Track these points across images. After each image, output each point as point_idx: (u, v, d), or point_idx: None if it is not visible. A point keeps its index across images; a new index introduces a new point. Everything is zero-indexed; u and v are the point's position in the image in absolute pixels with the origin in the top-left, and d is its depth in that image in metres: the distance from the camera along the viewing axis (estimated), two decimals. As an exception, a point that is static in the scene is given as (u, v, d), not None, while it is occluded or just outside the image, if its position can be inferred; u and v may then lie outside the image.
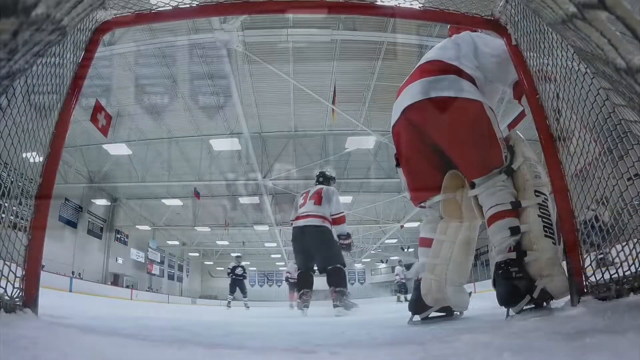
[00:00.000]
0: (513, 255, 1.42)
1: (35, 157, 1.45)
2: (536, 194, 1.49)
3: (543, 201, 1.48)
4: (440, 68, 1.78)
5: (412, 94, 1.78)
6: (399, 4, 1.86)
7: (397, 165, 1.96)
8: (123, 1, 1.78)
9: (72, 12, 0.52)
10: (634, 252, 1.08)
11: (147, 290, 22.13)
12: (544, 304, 1.42)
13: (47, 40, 0.53)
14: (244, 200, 18.81)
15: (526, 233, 1.44)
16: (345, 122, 10.81)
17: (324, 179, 5.03)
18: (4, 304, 1.16)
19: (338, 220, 4.46)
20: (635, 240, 1.10)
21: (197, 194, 16.45)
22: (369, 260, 31.65)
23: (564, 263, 1.37)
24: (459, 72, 1.73)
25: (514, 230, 1.45)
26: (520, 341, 0.85)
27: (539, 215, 1.45)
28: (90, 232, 18.63)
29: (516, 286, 1.37)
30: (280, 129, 12.76)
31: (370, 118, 11.75)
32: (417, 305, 1.76)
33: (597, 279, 1.21)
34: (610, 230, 1.22)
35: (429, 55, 1.95)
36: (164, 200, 19.38)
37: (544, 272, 1.36)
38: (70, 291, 12.17)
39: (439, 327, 1.48)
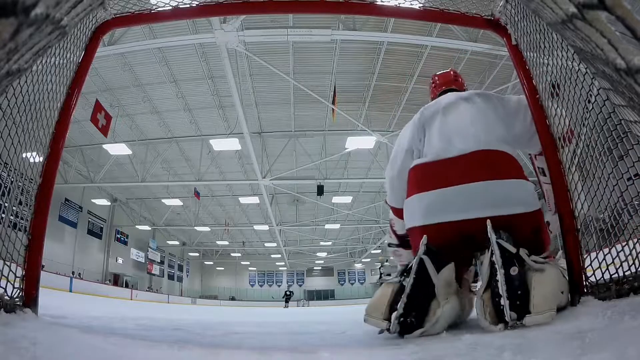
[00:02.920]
0: None
1: (35, 157, 1.45)
2: None
3: None
4: (502, 165, 1.38)
5: (471, 200, 1.32)
6: (399, 4, 1.86)
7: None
8: (123, 1, 1.78)
9: (71, 12, 0.52)
10: (634, 252, 1.08)
11: (147, 290, 22.13)
12: None
13: (46, 40, 0.53)
14: (244, 200, 18.83)
15: None
16: (345, 122, 10.81)
17: None
18: (4, 304, 1.16)
19: None
20: (635, 240, 1.10)
21: (197, 194, 16.46)
22: (369, 260, 31.64)
23: (564, 263, 1.37)
24: (521, 172, 1.41)
25: None
26: (520, 341, 0.85)
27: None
28: (90, 232, 18.63)
29: None
30: (280, 129, 12.76)
31: (370, 118, 11.76)
32: None
33: (597, 279, 1.20)
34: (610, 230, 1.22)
35: (474, 132, 1.46)
36: (164, 200, 19.38)
37: None
38: (70, 291, 12.18)
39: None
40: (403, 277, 1.17)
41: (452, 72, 2.06)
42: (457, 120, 1.54)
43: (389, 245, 1.93)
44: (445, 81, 2.02)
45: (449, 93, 1.82)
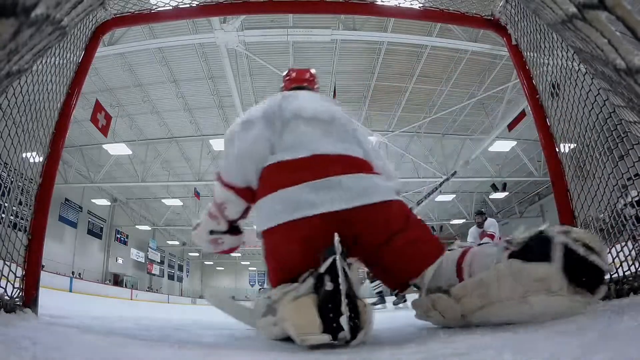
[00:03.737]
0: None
1: (35, 157, 1.45)
2: None
3: None
4: (368, 167, 1.46)
5: (349, 189, 1.33)
6: (399, 4, 1.86)
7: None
8: (123, 1, 1.78)
9: (72, 13, 0.52)
10: (633, 252, 1.08)
11: (147, 290, 22.12)
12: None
13: (47, 41, 0.53)
14: (244, 200, 18.80)
15: None
16: (345, 122, 10.79)
17: None
18: (4, 304, 1.16)
19: None
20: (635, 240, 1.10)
21: (197, 194, 16.46)
22: (369, 260, 31.61)
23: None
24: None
25: None
26: (520, 341, 0.85)
27: None
28: (90, 232, 18.63)
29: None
30: (280, 129, 12.76)
31: (370, 118, 11.76)
32: None
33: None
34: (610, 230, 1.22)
35: (340, 141, 1.47)
36: (164, 200, 19.39)
37: None
38: (70, 291, 12.18)
39: (439, 327, 1.48)
40: (318, 284, 1.05)
41: (309, 72, 1.99)
42: (320, 126, 1.49)
43: (211, 232, 1.66)
44: (302, 78, 1.95)
45: (305, 91, 1.76)
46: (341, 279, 1.00)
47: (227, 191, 1.52)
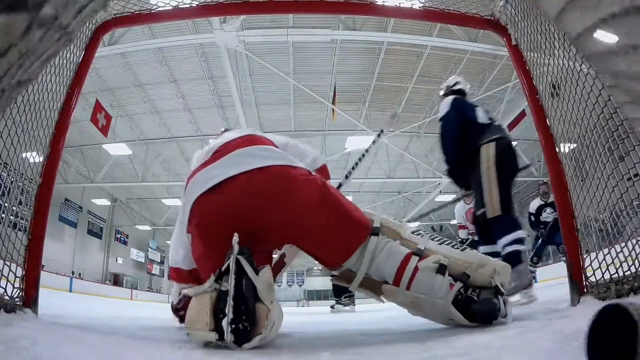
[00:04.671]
0: (459, 285, 1.24)
1: (35, 157, 1.45)
2: (414, 232, 1.38)
3: (420, 232, 1.39)
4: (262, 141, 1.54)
5: (234, 162, 1.40)
6: (399, 4, 1.86)
7: None
8: (123, 1, 1.78)
9: (77, 17, 0.52)
10: (633, 252, 1.08)
11: (147, 290, 22.11)
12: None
13: (54, 47, 0.53)
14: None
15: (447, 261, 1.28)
16: (345, 122, 10.80)
17: None
18: (4, 304, 1.16)
19: None
20: (635, 240, 1.10)
21: (197, 194, 16.42)
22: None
23: (564, 264, 1.38)
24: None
25: (441, 269, 1.24)
26: (520, 341, 0.85)
27: (438, 242, 1.34)
28: (90, 232, 18.61)
29: (490, 301, 1.21)
30: (280, 129, 12.76)
31: (370, 118, 11.75)
32: None
33: (597, 279, 1.21)
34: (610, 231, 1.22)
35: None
36: (164, 200, 19.38)
37: (489, 273, 1.26)
38: (70, 291, 12.18)
39: (440, 327, 1.48)
40: (219, 283, 1.04)
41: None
42: None
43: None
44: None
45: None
46: (230, 282, 1.00)
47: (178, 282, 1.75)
